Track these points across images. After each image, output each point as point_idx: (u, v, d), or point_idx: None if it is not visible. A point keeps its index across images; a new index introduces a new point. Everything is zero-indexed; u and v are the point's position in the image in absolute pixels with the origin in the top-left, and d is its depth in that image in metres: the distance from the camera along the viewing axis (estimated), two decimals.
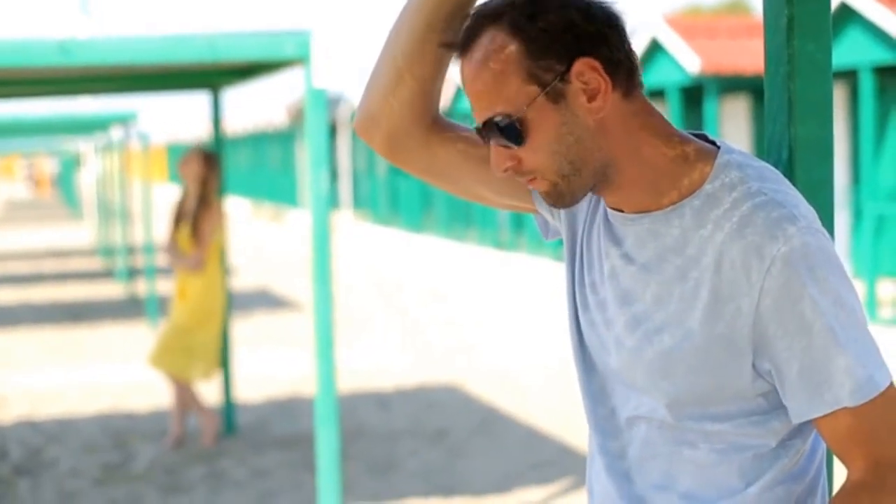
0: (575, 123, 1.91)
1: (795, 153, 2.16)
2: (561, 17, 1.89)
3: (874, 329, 11.91)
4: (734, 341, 1.90)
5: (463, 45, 1.94)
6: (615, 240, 2.03)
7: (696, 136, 2.04)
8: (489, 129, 1.93)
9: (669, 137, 1.97)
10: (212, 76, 8.53)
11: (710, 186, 1.94)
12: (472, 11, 1.96)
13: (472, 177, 2.17)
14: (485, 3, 1.95)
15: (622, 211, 2.01)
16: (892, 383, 1.88)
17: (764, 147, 2.23)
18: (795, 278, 1.85)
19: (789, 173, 2.15)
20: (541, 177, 1.94)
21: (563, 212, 2.15)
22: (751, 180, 1.92)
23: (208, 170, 8.59)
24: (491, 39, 1.90)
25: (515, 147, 1.92)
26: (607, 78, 1.90)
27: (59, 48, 5.32)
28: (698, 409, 1.96)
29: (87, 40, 5.45)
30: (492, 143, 1.95)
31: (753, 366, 1.91)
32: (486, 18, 1.92)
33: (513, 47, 1.89)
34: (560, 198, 1.95)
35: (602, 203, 2.07)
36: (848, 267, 15.52)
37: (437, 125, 2.13)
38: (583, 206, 2.13)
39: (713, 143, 2.02)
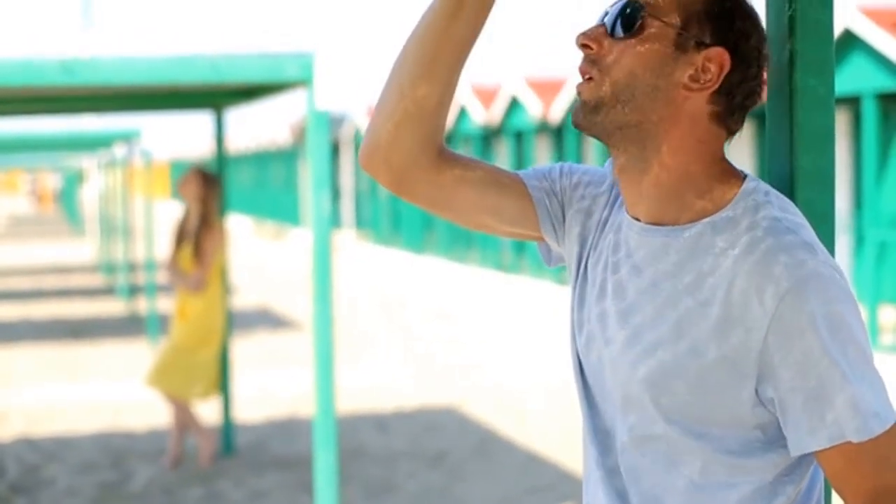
0: (667, 76, 1.93)
1: (797, 186, 2.15)
2: (747, 27, 1.95)
3: (876, 356, 11.89)
4: (738, 364, 1.89)
5: None
6: (627, 252, 2.03)
7: None
8: (616, 7, 1.96)
9: (715, 160, 1.98)
10: (215, 96, 8.54)
11: (733, 209, 1.94)
12: None
13: (478, 206, 2.16)
14: None
15: (639, 220, 2.01)
16: None
17: (765, 176, 2.22)
18: (808, 309, 1.84)
19: (791, 202, 2.14)
20: (598, 80, 1.94)
21: (573, 232, 2.15)
22: (773, 209, 1.93)
23: (208, 189, 8.58)
24: None
25: (614, 37, 1.95)
26: (718, 84, 1.93)
27: (62, 68, 5.32)
28: (693, 430, 1.94)
29: (90, 60, 5.45)
30: (603, 20, 1.97)
31: (756, 392, 1.90)
32: None
33: None
34: (593, 114, 1.95)
35: (615, 219, 2.08)
36: None
37: (442, 156, 2.12)
38: (592, 227, 2.13)
39: (743, 173, 2.03)
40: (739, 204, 1.95)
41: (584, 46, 1.97)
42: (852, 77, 13.85)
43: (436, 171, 2.11)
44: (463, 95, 24.90)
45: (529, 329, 15.97)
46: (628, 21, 1.94)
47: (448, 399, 11.06)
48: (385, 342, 14.98)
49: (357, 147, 35.59)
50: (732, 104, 1.96)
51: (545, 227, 2.18)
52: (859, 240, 15.45)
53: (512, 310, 18.14)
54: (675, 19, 1.93)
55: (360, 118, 33.10)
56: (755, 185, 1.97)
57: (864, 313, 12.92)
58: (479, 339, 15.17)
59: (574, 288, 2.15)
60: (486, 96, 24.73)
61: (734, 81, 1.95)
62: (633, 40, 1.93)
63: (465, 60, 2.07)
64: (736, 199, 1.95)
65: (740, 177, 2.00)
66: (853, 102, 15.56)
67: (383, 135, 2.09)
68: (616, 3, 1.98)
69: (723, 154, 2.00)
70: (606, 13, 1.98)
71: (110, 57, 5.51)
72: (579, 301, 2.12)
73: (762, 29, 1.99)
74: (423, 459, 8.79)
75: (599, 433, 2.09)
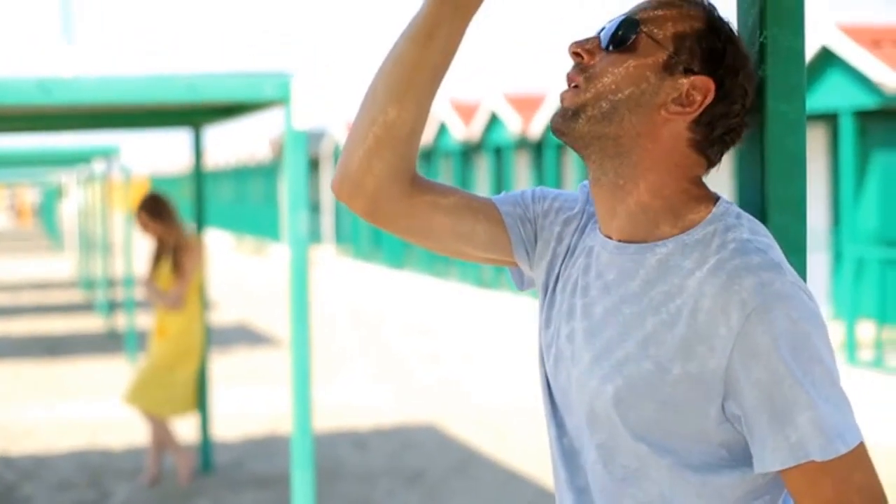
0: (650, 95, 1.96)
1: (769, 211, 2.16)
2: (737, 63, 1.99)
3: (854, 371, 11.92)
4: (704, 381, 1.90)
5: None
6: (597, 272, 2.04)
7: None
8: (614, 22, 2.00)
9: (691, 183, 2.01)
10: (193, 115, 8.53)
11: (703, 229, 1.97)
12: None
13: (453, 233, 2.17)
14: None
15: (611, 238, 2.03)
16: (861, 443, 1.89)
17: (737, 201, 2.23)
18: (774, 329, 1.85)
19: (763, 225, 2.15)
20: (583, 88, 1.97)
21: (544, 255, 2.16)
22: (743, 231, 1.95)
23: (163, 216, 8.50)
24: (695, 9, 2.00)
25: (607, 50, 1.98)
26: (697, 113, 1.97)
27: (39, 87, 5.31)
28: (660, 447, 1.95)
29: (67, 79, 5.44)
30: (599, 34, 2.01)
31: (722, 408, 1.91)
32: (706, 5, 2.02)
33: (699, 23, 1.98)
34: (572, 119, 1.98)
35: (586, 243, 2.09)
36: (828, 309, 15.54)
37: (415, 183, 2.12)
38: (562, 252, 2.15)
39: (716, 196, 2.06)
40: (710, 225, 1.98)
41: (575, 55, 2.01)
42: (830, 94, 13.90)
43: (409, 198, 2.12)
44: (442, 111, 24.92)
45: (509, 345, 15.97)
46: (623, 36, 1.98)
47: (427, 416, 11.05)
48: (364, 359, 14.96)
49: (336, 162, 35.50)
50: (712, 136, 1.99)
51: (518, 251, 2.20)
52: (837, 256, 15.50)
53: (492, 326, 18.14)
54: (669, 42, 1.98)
55: (339, 133, 33.09)
56: (727, 208, 2.00)
57: (842, 329, 12.94)
58: (459, 355, 15.16)
59: (542, 310, 2.17)
60: (466, 112, 24.76)
61: (716, 113, 1.98)
62: (624, 55, 1.97)
63: (437, 88, 2.08)
64: (707, 221, 1.98)
65: (713, 199, 2.02)
66: (831, 120, 15.62)
67: (355, 162, 2.09)
68: (614, 19, 2.02)
69: (700, 179, 2.03)
70: (603, 28, 2.02)
71: (87, 77, 5.49)
72: (546, 322, 2.15)
73: (752, 69, 2.03)
74: (402, 478, 8.78)
75: (568, 454, 2.10)
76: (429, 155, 26.67)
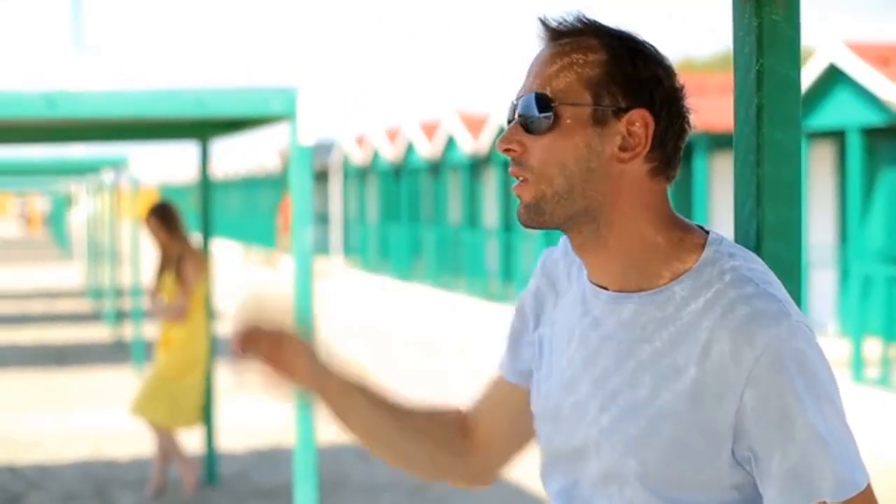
0: (598, 155, 1.90)
1: (763, 240, 2.17)
2: (653, 71, 1.92)
3: (860, 389, 11.91)
4: (715, 427, 1.88)
5: (555, 32, 1.95)
6: (595, 320, 2.00)
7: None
8: (524, 103, 1.92)
9: (669, 221, 1.97)
10: (200, 128, 8.56)
11: (701, 271, 1.93)
12: (578, 15, 1.96)
13: (517, 430, 2.27)
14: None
15: (606, 289, 1.99)
16: (869, 484, 1.87)
17: (733, 229, 2.24)
18: (784, 371, 1.84)
19: (758, 258, 2.15)
20: (533, 182, 1.92)
21: (539, 321, 2.15)
22: (741, 269, 1.92)
23: (171, 223, 8.55)
24: (586, 40, 1.92)
25: (533, 133, 1.91)
26: (649, 143, 1.91)
27: (45, 101, 5.33)
28: (671, 496, 1.93)
29: (73, 93, 5.47)
30: (516, 118, 1.94)
31: (732, 452, 1.89)
32: (590, 26, 1.94)
33: (600, 56, 1.91)
34: (538, 213, 1.93)
35: (580, 285, 2.05)
36: (834, 326, 15.53)
37: (469, 436, 2.29)
38: (547, 307, 2.12)
39: (703, 229, 2.02)
40: (707, 266, 1.94)
41: (507, 151, 1.94)
42: (837, 112, 13.91)
43: (475, 446, 2.28)
44: (451, 124, 24.94)
45: None
46: (543, 116, 1.91)
47: None
48: (370, 370, 14.95)
49: (345, 174, 35.62)
50: (667, 153, 1.95)
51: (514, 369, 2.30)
52: (844, 273, 15.49)
53: (498, 339, 18.14)
54: (586, 97, 1.91)
55: (348, 145, 33.12)
56: (719, 244, 1.96)
57: (848, 347, 12.92)
58: (465, 368, 15.17)
59: (540, 357, 2.14)
60: (474, 125, 24.77)
61: (661, 130, 1.93)
62: (553, 133, 1.91)
63: (401, 434, 2.27)
64: (703, 261, 1.94)
65: (701, 234, 1.98)
66: (838, 137, 15.62)
67: (426, 471, 2.32)
68: (521, 97, 1.95)
69: (670, 209, 1.99)
70: (515, 108, 1.95)
71: (94, 91, 5.52)
72: (546, 374, 2.10)
73: (667, 62, 1.96)
74: (406, 490, 8.79)
75: (565, 491, 2.06)
76: (437, 168, 26.69)
